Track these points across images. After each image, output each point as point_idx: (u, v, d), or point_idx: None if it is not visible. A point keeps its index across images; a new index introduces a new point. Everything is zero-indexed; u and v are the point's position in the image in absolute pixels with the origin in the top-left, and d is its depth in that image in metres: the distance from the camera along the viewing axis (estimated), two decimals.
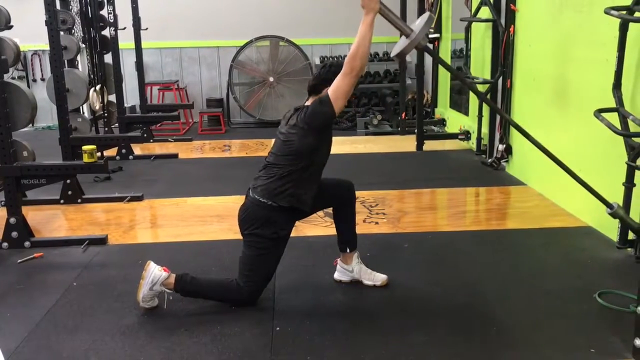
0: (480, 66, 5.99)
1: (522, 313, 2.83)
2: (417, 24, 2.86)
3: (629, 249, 3.50)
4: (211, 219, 4.32)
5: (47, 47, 4.84)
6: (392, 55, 2.93)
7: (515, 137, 5.28)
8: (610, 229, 3.64)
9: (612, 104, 3.38)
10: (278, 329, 2.71)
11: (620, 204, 3.45)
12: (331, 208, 3.18)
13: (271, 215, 2.82)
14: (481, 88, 5.80)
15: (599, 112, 3.35)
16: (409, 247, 3.70)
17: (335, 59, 8.44)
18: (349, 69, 2.66)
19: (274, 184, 2.82)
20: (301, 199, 2.85)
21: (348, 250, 3.13)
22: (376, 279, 3.12)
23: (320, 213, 4.07)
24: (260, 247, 2.84)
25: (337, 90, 2.71)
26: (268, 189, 2.83)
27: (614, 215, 3.01)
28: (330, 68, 2.87)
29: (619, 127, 3.31)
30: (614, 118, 3.35)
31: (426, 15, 2.85)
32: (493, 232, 3.99)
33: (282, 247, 2.92)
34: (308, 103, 2.87)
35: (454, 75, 6.86)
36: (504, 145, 5.36)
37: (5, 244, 3.75)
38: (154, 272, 2.84)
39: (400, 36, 2.86)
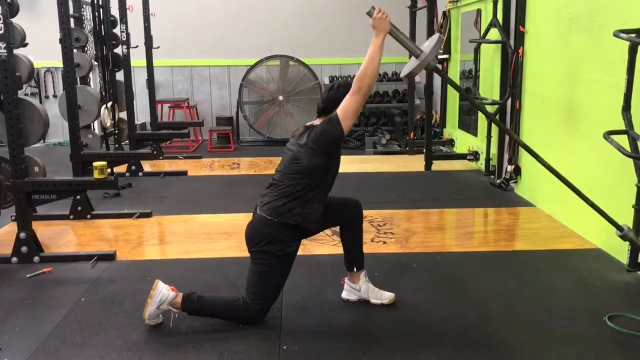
0: (489, 87, 6.02)
1: (530, 335, 2.80)
2: (426, 45, 2.88)
3: (639, 272, 3.47)
4: (219, 236, 4.32)
5: (60, 64, 4.91)
6: (401, 75, 2.95)
7: (524, 158, 5.27)
8: (620, 251, 3.61)
9: (621, 126, 3.38)
10: (285, 347, 2.70)
11: (631, 226, 3.43)
12: (338, 227, 3.18)
13: (278, 233, 2.82)
14: (490, 109, 5.82)
15: (608, 134, 3.35)
16: (417, 267, 3.69)
17: (345, 78, 8.49)
18: (357, 88, 2.68)
19: (280, 201, 2.82)
20: (309, 218, 2.85)
21: (355, 270, 3.12)
22: (383, 297, 3.11)
23: (328, 232, 4.08)
24: (268, 264, 2.84)
25: (346, 109, 2.73)
26: (274, 206, 2.83)
27: (624, 237, 2.99)
28: (339, 89, 2.87)
29: (629, 150, 3.31)
30: (623, 140, 3.34)
31: (436, 36, 2.87)
32: (501, 254, 3.97)
33: (289, 264, 2.92)
34: (317, 122, 2.88)
35: (464, 97, 6.87)
36: (513, 166, 5.35)
37: (14, 259, 3.77)
38: (162, 291, 2.84)
39: (410, 57, 2.88)
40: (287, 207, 2.81)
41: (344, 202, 3.11)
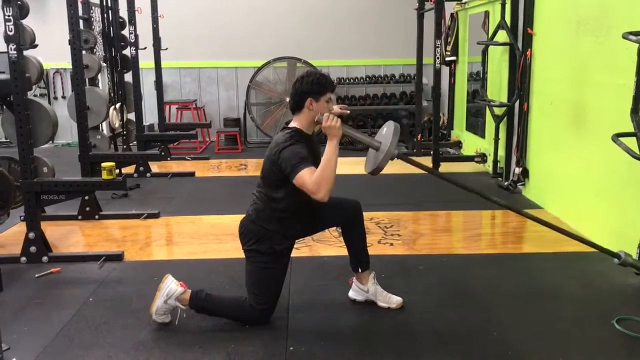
0: (497, 89, 6.00)
1: (537, 338, 2.80)
2: (384, 134, 2.82)
3: None
4: (226, 237, 4.33)
5: (69, 66, 4.94)
6: (367, 171, 2.89)
7: (533, 161, 5.26)
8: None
9: (630, 128, 3.36)
10: (292, 348, 2.70)
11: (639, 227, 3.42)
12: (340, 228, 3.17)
13: (264, 232, 2.85)
14: (498, 111, 5.81)
15: (616, 137, 3.34)
16: (424, 269, 3.68)
17: (351, 80, 8.49)
18: (315, 189, 2.59)
19: (261, 205, 2.87)
20: (279, 230, 2.86)
21: (360, 270, 3.12)
22: (391, 301, 3.10)
23: (335, 233, 4.08)
24: (260, 262, 2.85)
25: (302, 184, 2.63)
26: (257, 209, 2.88)
27: (623, 264, 2.98)
28: (304, 79, 2.83)
29: (637, 152, 3.29)
30: (632, 143, 3.33)
31: (391, 124, 2.81)
32: (509, 256, 3.96)
33: (283, 262, 2.92)
34: (294, 124, 2.87)
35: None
36: (521, 169, 5.34)
37: (23, 259, 3.79)
38: (171, 285, 2.86)
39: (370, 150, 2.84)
40: (263, 215, 2.86)
41: (342, 202, 3.09)
